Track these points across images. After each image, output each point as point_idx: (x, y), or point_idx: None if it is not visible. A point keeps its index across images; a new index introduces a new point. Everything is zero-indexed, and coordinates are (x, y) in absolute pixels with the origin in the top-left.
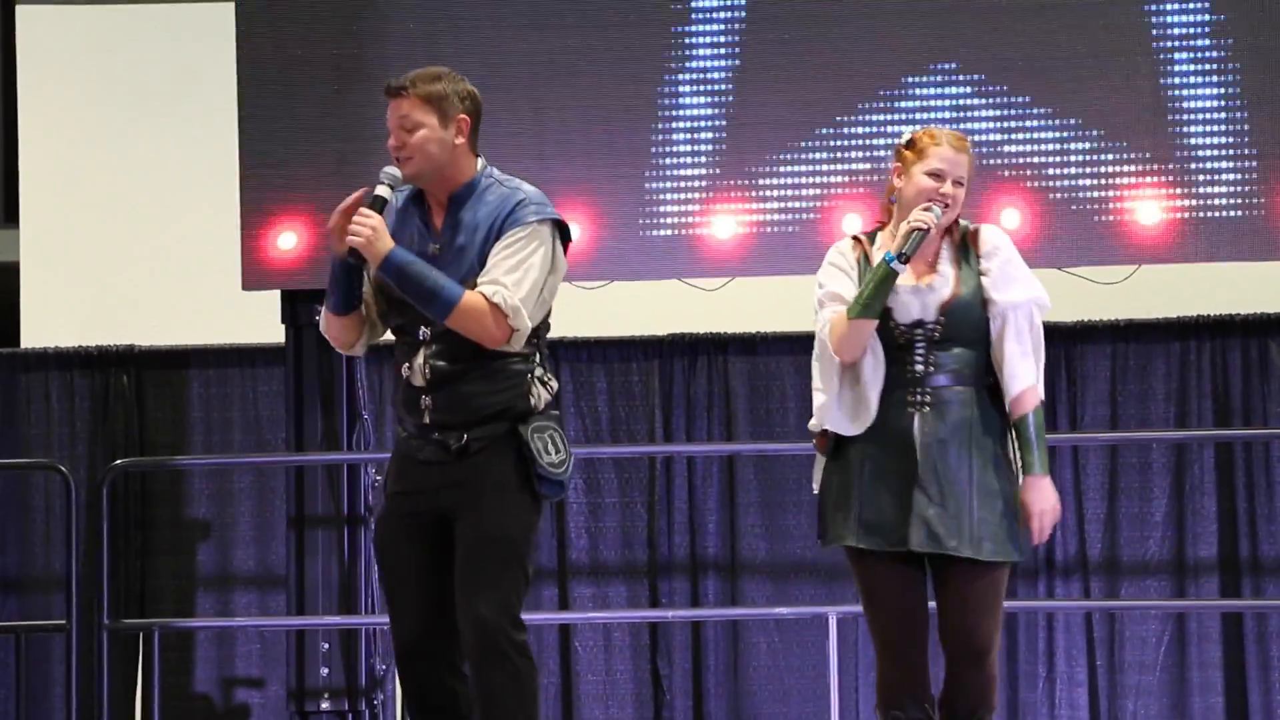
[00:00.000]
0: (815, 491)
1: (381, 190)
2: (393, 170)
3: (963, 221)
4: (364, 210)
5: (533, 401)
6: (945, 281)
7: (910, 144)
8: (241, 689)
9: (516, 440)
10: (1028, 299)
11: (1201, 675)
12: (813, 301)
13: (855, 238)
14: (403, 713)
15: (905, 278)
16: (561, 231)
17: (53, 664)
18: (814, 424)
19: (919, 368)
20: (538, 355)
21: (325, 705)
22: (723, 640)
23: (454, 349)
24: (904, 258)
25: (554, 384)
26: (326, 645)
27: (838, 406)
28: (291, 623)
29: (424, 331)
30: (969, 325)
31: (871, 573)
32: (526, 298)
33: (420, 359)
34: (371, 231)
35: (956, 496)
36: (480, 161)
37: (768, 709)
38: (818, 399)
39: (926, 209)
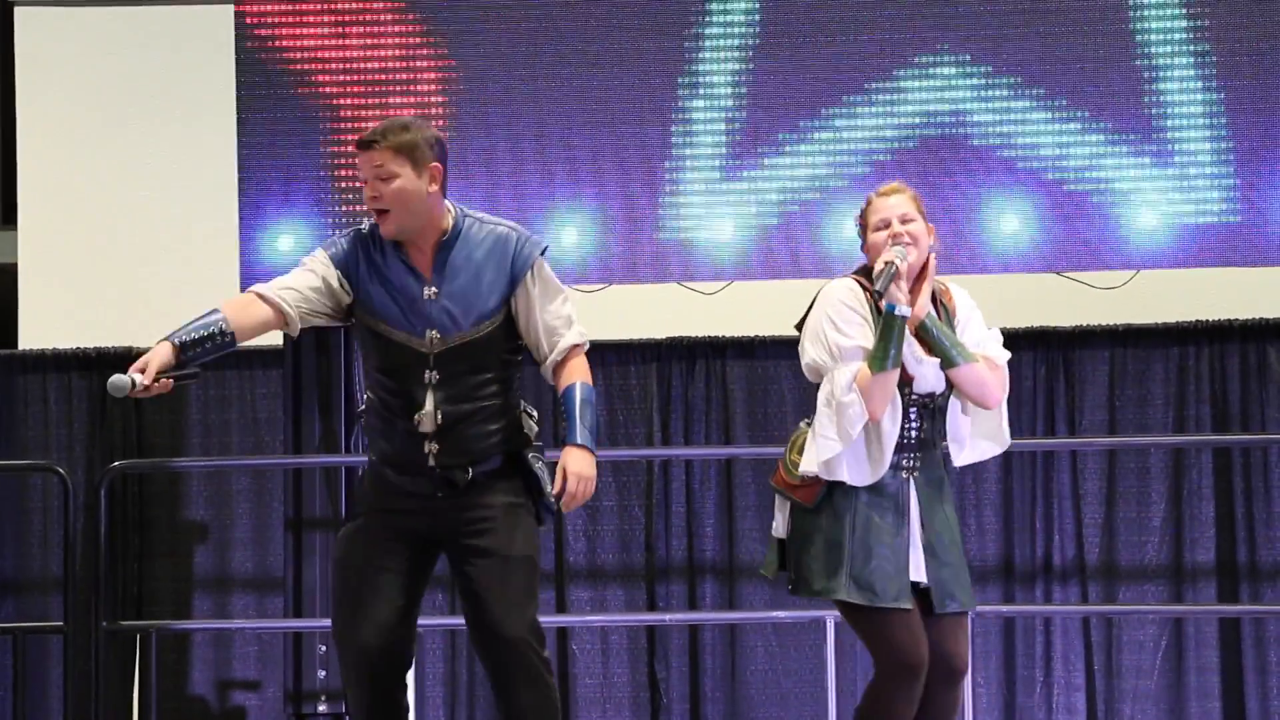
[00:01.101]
0: (779, 535)
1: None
2: (120, 382)
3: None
4: (589, 482)
5: (525, 432)
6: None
7: (862, 213)
8: (238, 691)
9: (516, 467)
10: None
11: (1199, 680)
12: (824, 342)
13: (858, 281)
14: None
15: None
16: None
17: (50, 665)
18: (814, 471)
19: (914, 434)
20: (519, 389)
21: (322, 708)
22: (720, 644)
23: (462, 392)
24: (878, 294)
25: (534, 413)
26: (324, 648)
27: (856, 458)
28: (289, 625)
29: (431, 376)
30: (950, 388)
31: (871, 620)
32: (582, 328)
33: (430, 407)
34: (591, 485)
35: (953, 556)
36: (450, 204)
37: (765, 712)
38: (828, 448)
39: (893, 248)
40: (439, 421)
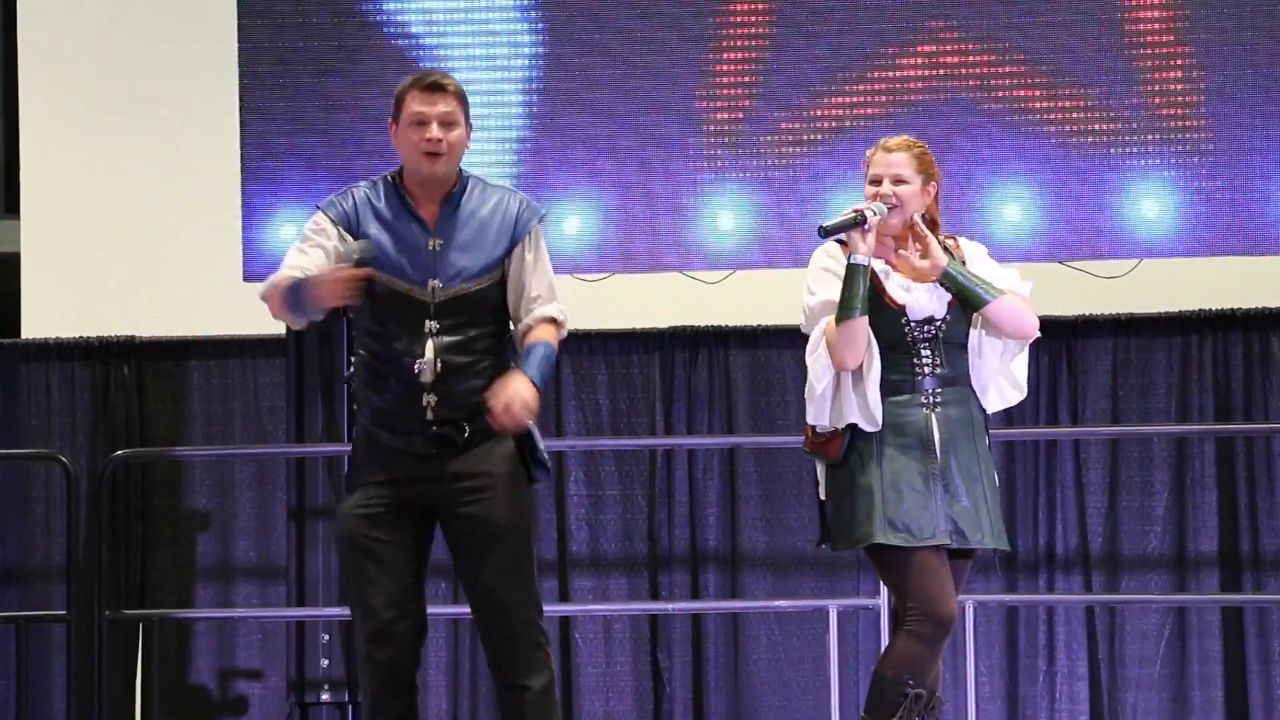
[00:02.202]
0: (824, 497)
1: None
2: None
3: (942, 235)
4: (525, 405)
5: None
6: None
7: (866, 159)
8: (241, 680)
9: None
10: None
11: (1202, 669)
12: (803, 306)
13: (840, 242)
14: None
15: (920, 278)
16: None
17: (53, 654)
18: (825, 424)
19: (928, 367)
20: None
21: (325, 696)
22: (723, 633)
23: (461, 344)
24: (823, 230)
25: None
26: (327, 637)
27: (857, 405)
28: (292, 614)
29: (431, 326)
30: (964, 326)
31: (904, 566)
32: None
33: (430, 355)
34: (526, 410)
35: (975, 492)
36: None
37: (767, 701)
38: (820, 404)
39: (874, 202)
40: (438, 370)
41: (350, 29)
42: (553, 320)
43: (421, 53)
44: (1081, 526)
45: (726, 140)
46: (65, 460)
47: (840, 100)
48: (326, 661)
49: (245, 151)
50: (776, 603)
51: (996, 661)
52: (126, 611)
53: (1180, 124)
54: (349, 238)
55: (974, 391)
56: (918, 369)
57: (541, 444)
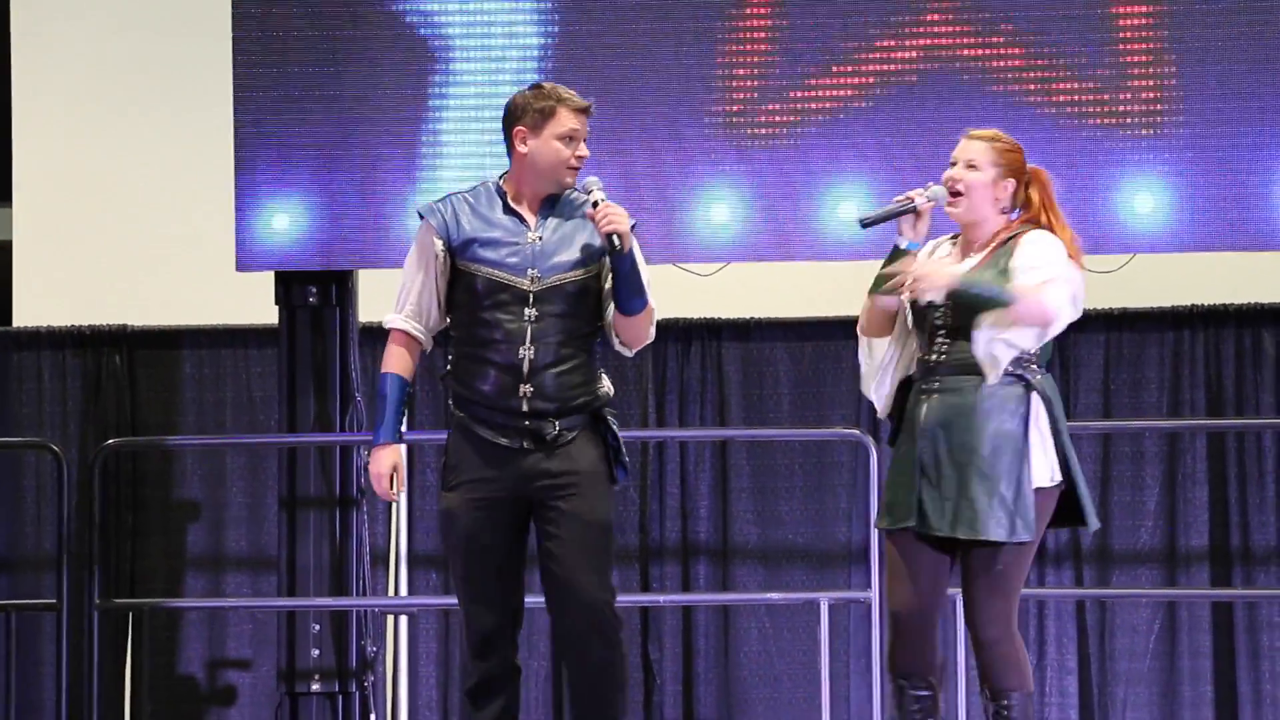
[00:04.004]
0: None
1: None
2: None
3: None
4: (609, 203)
5: (602, 392)
6: (963, 268)
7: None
8: (231, 670)
9: (599, 429)
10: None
11: (1192, 664)
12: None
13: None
14: (393, 694)
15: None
16: None
17: (43, 643)
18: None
19: (934, 356)
20: (600, 352)
21: (315, 687)
22: (714, 625)
23: (556, 336)
24: (865, 222)
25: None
26: (317, 627)
27: (870, 385)
28: (282, 604)
29: (530, 313)
30: (970, 314)
31: (892, 549)
32: None
33: (529, 344)
34: (626, 220)
35: (960, 479)
36: None
37: (758, 693)
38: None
39: (932, 186)
40: (534, 359)
41: (346, 19)
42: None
43: (418, 43)
44: None
45: (722, 131)
46: (56, 449)
47: (835, 93)
48: (317, 651)
49: (239, 140)
50: (768, 595)
51: None
52: (117, 600)
53: (1174, 119)
54: (446, 244)
55: (978, 378)
56: (928, 358)
57: (623, 446)
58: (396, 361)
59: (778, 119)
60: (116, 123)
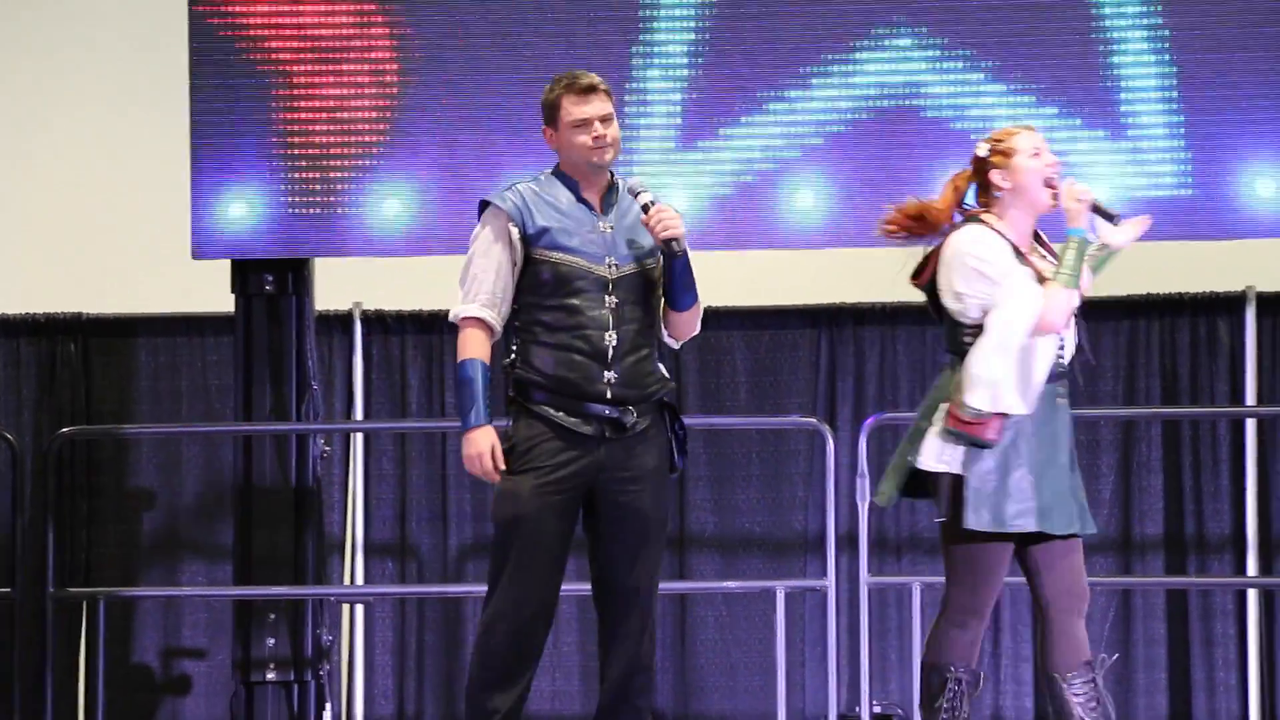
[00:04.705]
0: (958, 472)
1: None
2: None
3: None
4: (661, 206)
5: (669, 381)
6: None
7: (998, 143)
8: (186, 659)
9: (665, 422)
10: None
11: (1147, 651)
12: (962, 293)
13: (989, 226)
14: (348, 683)
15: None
16: None
17: None
18: (988, 406)
19: (1063, 359)
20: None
21: (271, 675)
22: (670, 614)
23: (634, 323)
24: (1114, 219)
25: None
26: (273, 616)
27: (1019, 387)
28: (238, 593)
29: (611, 300)
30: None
31: (995, 553)
32: None
33: (613, 330)
34: (679, 218)
35: (1076, 480)
36: None
37: (714, 682)
38: (993, 383)
39: (1077, 183)
40: (616, 346)
41: (304, 2)
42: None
43: (375, 27)
44: None
45: (678, 121)
46: (10, 437)
47: (792, 81)
48: (272, 640)
49: (195, 128)
50: (724, 584)
51: None
52: (71, 589)
53: (1130, 109)
54: (521, 230)
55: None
56: (1060, 358)
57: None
58: (478, 347)
59: (733, 105)
60: (71, 110)
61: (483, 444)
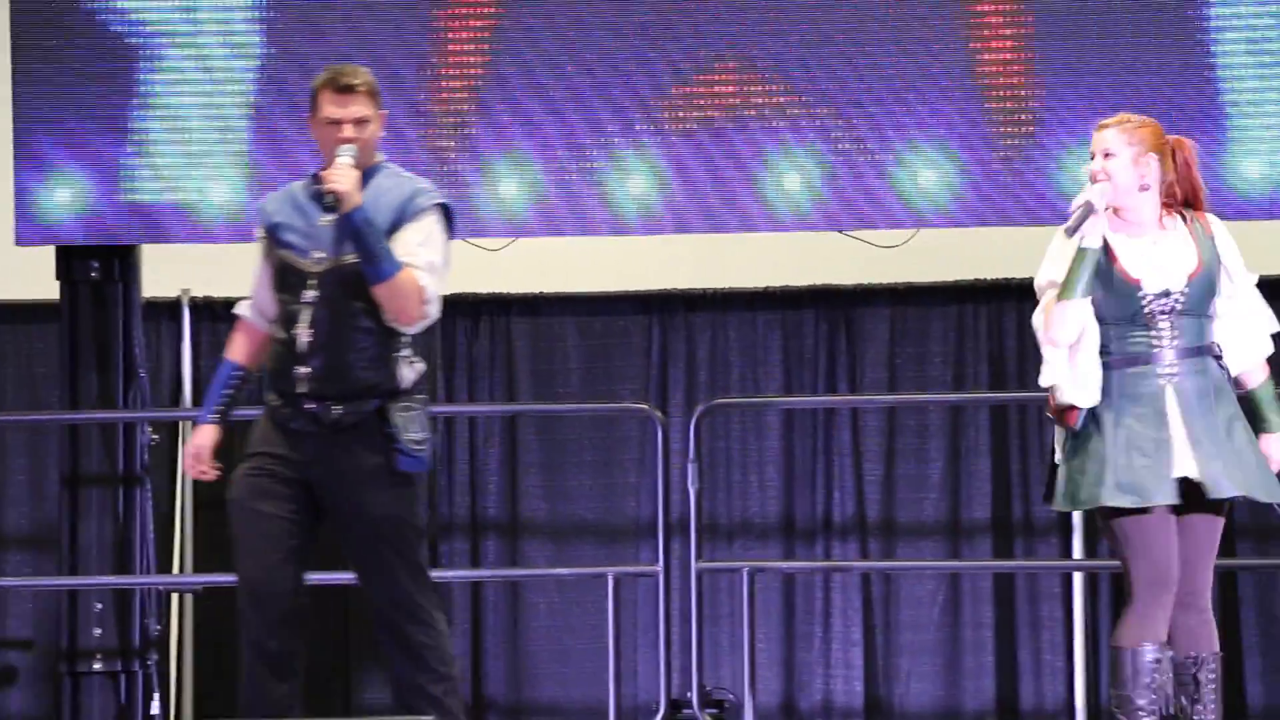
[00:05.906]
0: (1057, 461)
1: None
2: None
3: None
4: (342, 164)
5: (399, 382)
6: (1191, 254)
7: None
8: (11, 650)
9: (382, 421)
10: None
11: (974, 634)
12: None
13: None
14: (177, 672)
15: (1154, 248)
16: (447, 215)
17: None
18: (1065, 398)
19: (1166, 338)
20: (406, 336)
21: (97, 666)
22: (502, 601)
23: (339, 318)
24: (1069, 231)
25: (421, 365)
26: (100, 606)
27: (1076, 381)
28: (64, 583)
29: (309, 295)
30: (1207, 297)
31: (1131, 527)
32: (438, 289)
33: (304, 325)
34: (351, 181)
35: (1229, 448)
36: (380, 152)
37: (547, 669)
38: (1055, 383)
39: (1093, 187)
40: (309, 341)
41: None
42: (416, 269)
43: (204, 13)
44: (859, 494)
45: (508, 105)
46: None
47: (625, 64)
48: (99, 630)
49: (17, 110)
50: (556, 570)
51: (774, 629)
52: None
53: (954, 95)
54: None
55: (1215, 359)
56: (1155, 341)
57: (404, 435)
58: (233, 347)
59: (568, 90)
60: None
61: (196, 440)
